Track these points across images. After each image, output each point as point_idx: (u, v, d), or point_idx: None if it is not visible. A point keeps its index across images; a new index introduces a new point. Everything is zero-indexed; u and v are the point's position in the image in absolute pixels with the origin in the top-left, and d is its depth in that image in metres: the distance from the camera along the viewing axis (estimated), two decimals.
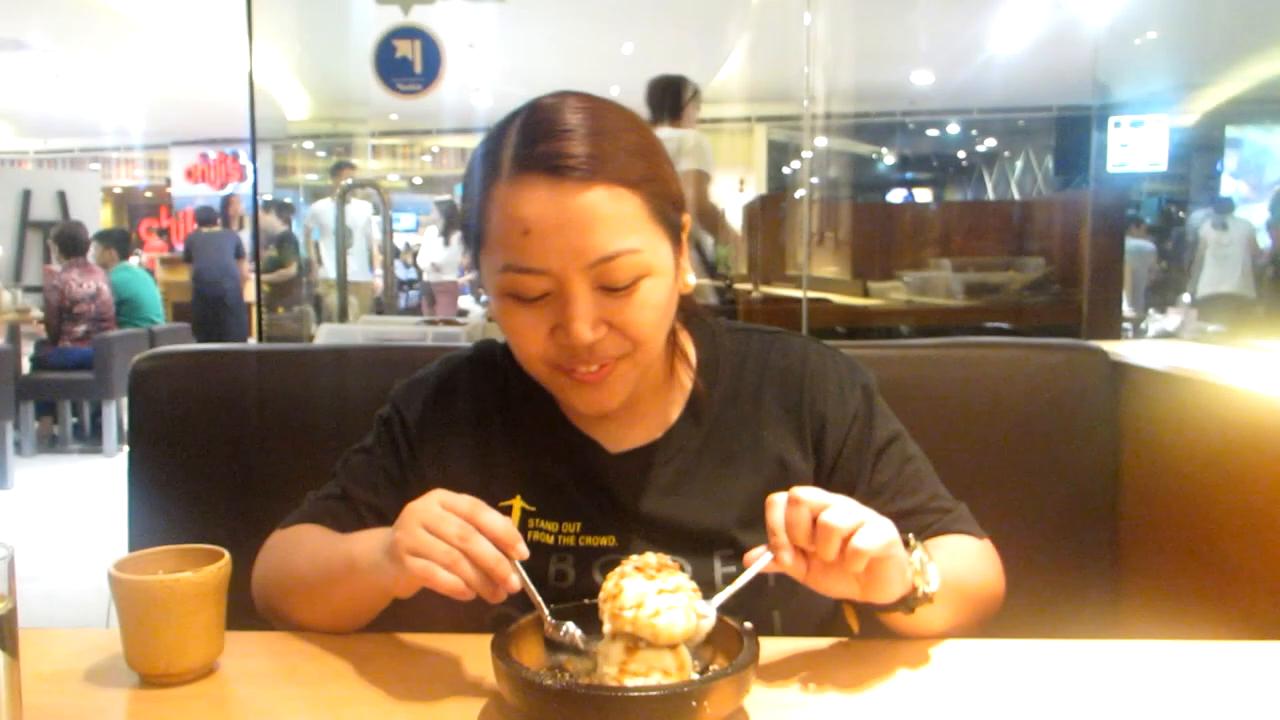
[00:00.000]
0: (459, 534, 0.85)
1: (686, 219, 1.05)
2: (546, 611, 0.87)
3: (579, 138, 0.94)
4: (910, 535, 0.91)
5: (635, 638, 0.79)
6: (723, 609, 0.86)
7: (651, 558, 0.83)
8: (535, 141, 0.94)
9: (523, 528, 1.05)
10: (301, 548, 1.06)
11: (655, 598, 0.79)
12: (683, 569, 0.87)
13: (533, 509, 1.07)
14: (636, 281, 0.95)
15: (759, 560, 0.87)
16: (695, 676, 0.82)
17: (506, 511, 1.05)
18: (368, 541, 0.95)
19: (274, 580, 1.07)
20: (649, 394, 1.10)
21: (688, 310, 1.11)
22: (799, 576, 0.87)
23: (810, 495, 0.85)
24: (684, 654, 0.81)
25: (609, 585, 0.82)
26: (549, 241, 0.92)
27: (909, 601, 0.90)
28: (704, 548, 1.04)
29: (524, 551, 0.87)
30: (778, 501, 0.87)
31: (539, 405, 1.10)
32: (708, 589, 0.87)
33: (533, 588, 0.87)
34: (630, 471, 1.07)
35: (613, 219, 0.93)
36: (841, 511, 0.85)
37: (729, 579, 1.00)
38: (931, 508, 1.09)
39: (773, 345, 1.14)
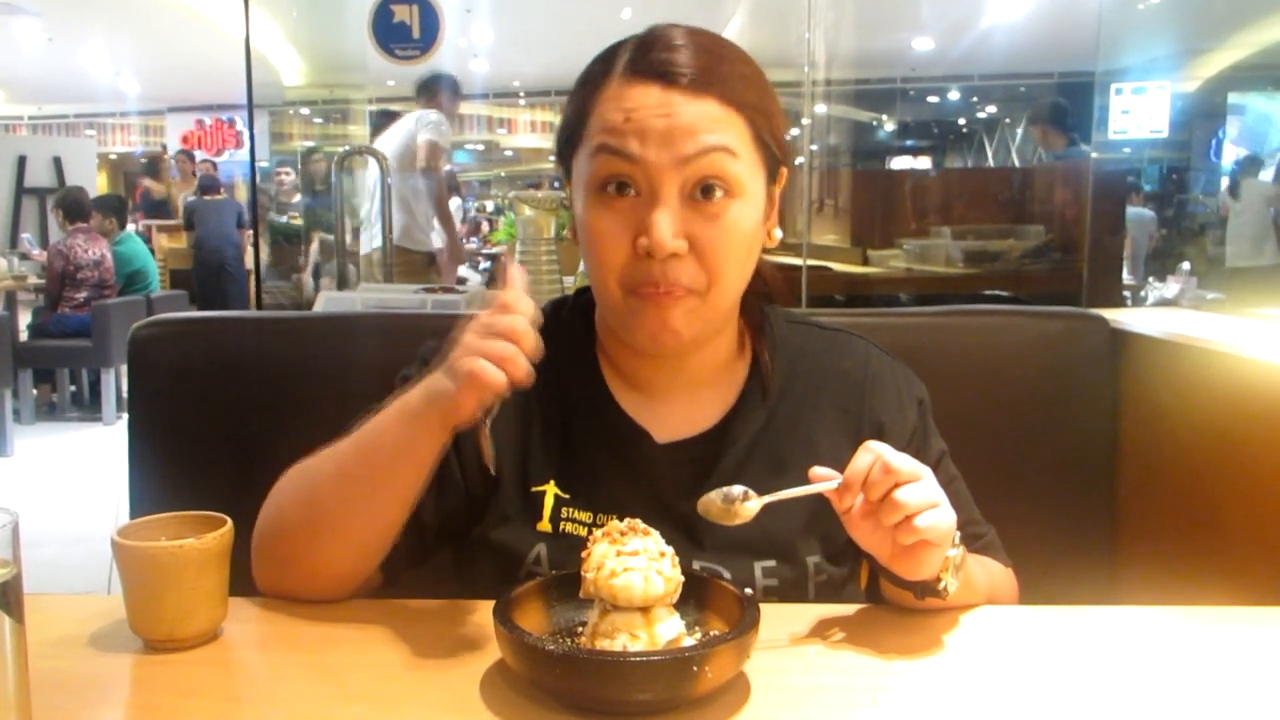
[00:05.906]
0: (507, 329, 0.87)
1: (785, 172, 1.03)
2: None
3: (695, 52, 0.95)
4: (957, 533, 0.91)
5: (605, 601, 0.80)
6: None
7: (622, 523, 0.83)
8: (650, 51, 0.95)
9: (555, 516, 1.00)
10: (319, 460, 0.97)
11: (614, 560, 0.80)
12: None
13: (567, 496, 1.01)
14: (726, 199, 0.94)
15: (826, 483, 0.88)
16: (690, 641, 0.82)
17: (539, 498, 1.01)
18: (408, 394, 0.92)
19: (289, 512, 0.97)
20: (706, 378, 1.06)
21: (751, 293, 1.05)
22: (841, 513, 0.88)
23: (902, 465, 0.85)
24: (657, 616, 0.80)
25: (584, 552, 0.82)
26: (648, 132, 0.92)
27: (923, 588, 0.91)
28: (746, 554, 0.99)
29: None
30: (873, 449, 0.86)
31: (587, 386, 1.05)
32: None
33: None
34: (677, 465, 1.02)
35: (715, 131, 0.93)
36: (918, 491, 0.85)
37: (770, 591, 0.99)
38: (968, 532, 1.07)
39: (832, 344, 1.11)
